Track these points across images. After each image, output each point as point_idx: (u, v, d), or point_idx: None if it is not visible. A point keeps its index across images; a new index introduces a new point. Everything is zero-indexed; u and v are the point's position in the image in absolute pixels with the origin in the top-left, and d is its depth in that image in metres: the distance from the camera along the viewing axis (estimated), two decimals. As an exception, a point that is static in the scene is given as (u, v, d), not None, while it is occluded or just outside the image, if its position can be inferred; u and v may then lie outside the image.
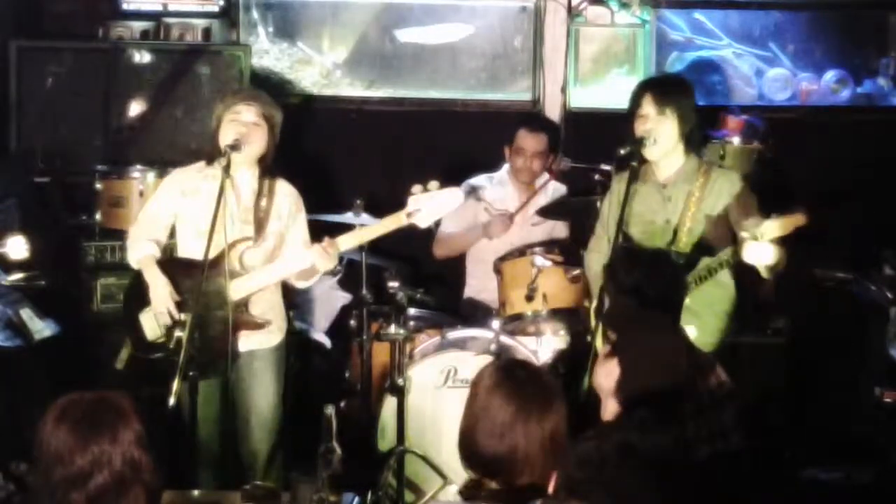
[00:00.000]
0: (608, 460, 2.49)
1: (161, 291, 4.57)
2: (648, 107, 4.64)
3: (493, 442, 2.97)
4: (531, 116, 6.33)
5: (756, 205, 4.68)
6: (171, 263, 4.68)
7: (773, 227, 4.32)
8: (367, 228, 4.69)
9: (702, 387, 3.72)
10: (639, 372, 3.38)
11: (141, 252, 4.68)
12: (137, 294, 4.67)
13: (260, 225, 4.67)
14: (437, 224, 4.67)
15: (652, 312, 3.70)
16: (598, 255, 4.87)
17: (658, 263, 4.01)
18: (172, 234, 4.81)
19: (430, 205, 4.53)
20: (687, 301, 4.41)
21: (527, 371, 3.23)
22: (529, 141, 5.93)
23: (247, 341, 4.72)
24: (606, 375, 3.44)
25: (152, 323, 4.63)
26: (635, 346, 3.44)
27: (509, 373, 3.11)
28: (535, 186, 6.01)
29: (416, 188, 4.56)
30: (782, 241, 4.35)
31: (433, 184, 4.55)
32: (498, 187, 6.06)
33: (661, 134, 4.64)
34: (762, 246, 4.31)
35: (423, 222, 4.57)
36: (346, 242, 4.61)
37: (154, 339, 4.63)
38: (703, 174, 4.69)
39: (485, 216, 6.00)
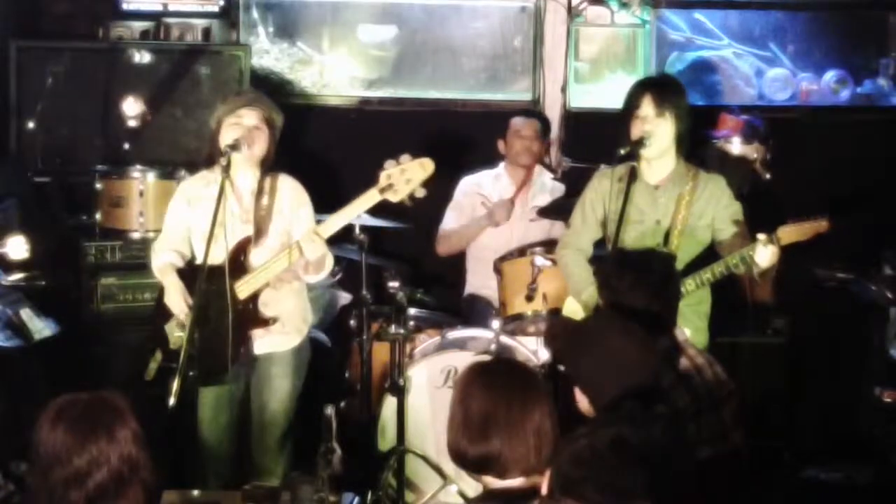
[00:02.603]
0: (602, 457, 2.49)
1: (174, 296, 4.59)
2: (648, 107, 4.63)
3: (476, 438, 2.97)
4: (520, 110, 6.36)
5: (741, 212, 4.69)
6: (190, 270, 4.69)
7: (794, 232, 4.34)
8: (343, 210, 4.62)
9: (667, 376, 3.70)
10: (603, 387, 3.36)
11: (160, 261, 4.72)
12: (163, 305, 4.69)
13: (260, 224, 4.68)
14: (413, 198, 4.60)
15: (593, 324, 3.67)
16: (573, 250, 4.86)
17: (649, 265, 4.01)
18: None
19: (400, 178, 4.53)
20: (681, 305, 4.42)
21: (505, 366, 3.24)
22: (524, 125, 6.04)
23: (263, 343, 4.73)
24: (580, 401, 3.44)
25: (174, 332, 4.65)
26: (586, 366, 3.42)
27: (486, 369, 3.11)
28: (532, 175, 6.06)
29: (389, 163, 4.55)
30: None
31: (404, 157, 4.55)
32: (495, 182, 6.11)
33: (659, 135, 4.63)
34: (775, 249, 4.32)
35: (394, 197, 4.54)
36: (327, 227, 4.60)
37: (176, 347, 4.63)
38: (692, 178, 4.70)
39: (483, 211, 6.03)
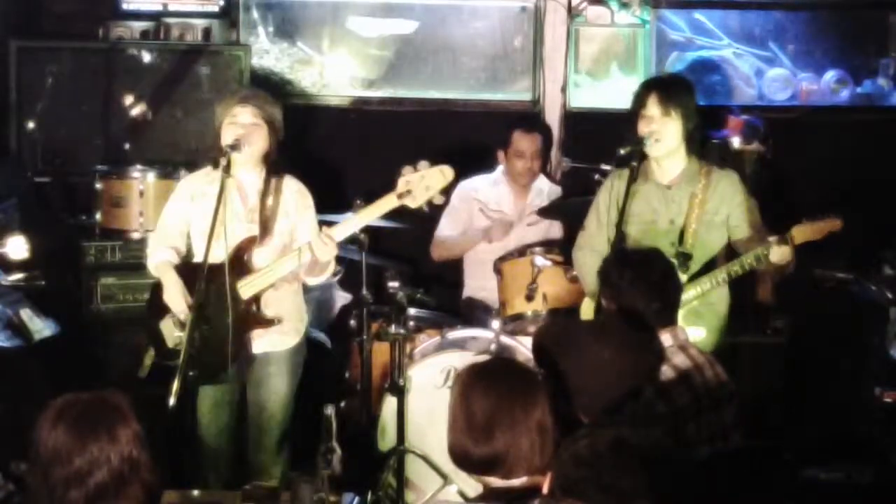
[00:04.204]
0: (602, 458, 2.50)
1: (174, 294, 4.58)
2: (653, 108, 4.63)
3: (480, 439, 2.97)
4: (523, 117, 6.33)
5: (756, 208, 4.70)
6: (188, 268, 4.68)
7: (808, 231, 4.35)
8: (360, 214, 4.63)
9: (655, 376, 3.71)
10: (583, 391, 3.38)
11: (157, 258, 4.70)
12: (158, 302, 4.68)
13: (265, 224, 4.68)
14: (431, 205, 4.60)
15: (577, 330, 3.67)
16: (589, 251, 4.86)
17: (649, 263, 4.02)
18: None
19: (420, 185, 4.52)
20: (694, 303, 4.43)
21: (503, 366, 3.24)
22: (527, 142, 5.96)
23: (261, 343, 4.73)
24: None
25: (171, 330, 4.65)
26: (564, 370, 3.43)
27: (485, 370, 3.11)
28: (531, 186, 6.04)
29: (406, 169, 4.53)
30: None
31: (422, 164, 4.53)
32: (493, 188, 6.09)
33: (666, 134, 4.63)
34: (788, 248, 4.34)
35: (413, 203, 4.53)
36: (342, 231, 4.60)
37: (174, 345, 4.63)
38: (704, 175, 4.70)
39: (480, 217, 6.03)
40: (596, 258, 4.81)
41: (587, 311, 4.89)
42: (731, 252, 4.72)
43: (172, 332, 4.64)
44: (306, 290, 5.00)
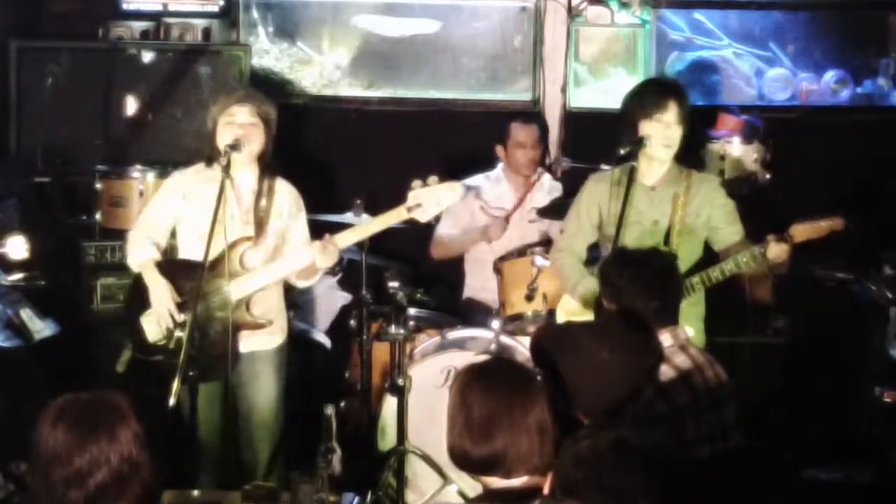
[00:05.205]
0: (603, 458, 2.50)
1: (161, 293, 4.58)
2: (674, 113, 4.64)
3: (479, 439, 2.97)
4: (518, 111, 6.34)
5: (736, 209, 4.71)
6: (171, 265, 4.68)
7: (808, 230, 4.36)
8: (367, 224, 4.67)
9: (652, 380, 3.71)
10: (580, 393, 3.38)
11: (141, 255, 4.69)
12: (138, 296, 4.67)
13: (260, 225, 4.68)
14: (436, 220, 4.65)
15: (577, 331, 3.68)
16: (568, 253, 4.86)
17: (648, 262, 4.02)
18: (173, 235, 4.81)
19: (430, 199, 4.53)
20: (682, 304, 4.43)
21: (501, 366, 3.24)
22: (525, 132, 6.00)
23: (248, 342, 4.72)
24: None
25: (153, 325, 4.64)
26: (563, 371, 3.43)
27: (483, 370, 3.11)
28: (531, 181, 6.06)
29: (416, 183, 4.55)
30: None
31: (432, 178, 4.55)
32: (494, 186, 6.10)
33: (677, 140, 4.67)
34: (786, 247, 4.35)
35: (423, 217, 4.56)
36: (347, 239, 4.61)
37: (155, 341, 4.63)
38: (685, 177, 4.73)
39: (481, 215, 6.04)
40: (574, 260, 4.85)
41: (566, 308, 4.90)
42: (713, 256, 4.72)
43: (153, 328, 4.63)
44: (299, 290, 5.00)
